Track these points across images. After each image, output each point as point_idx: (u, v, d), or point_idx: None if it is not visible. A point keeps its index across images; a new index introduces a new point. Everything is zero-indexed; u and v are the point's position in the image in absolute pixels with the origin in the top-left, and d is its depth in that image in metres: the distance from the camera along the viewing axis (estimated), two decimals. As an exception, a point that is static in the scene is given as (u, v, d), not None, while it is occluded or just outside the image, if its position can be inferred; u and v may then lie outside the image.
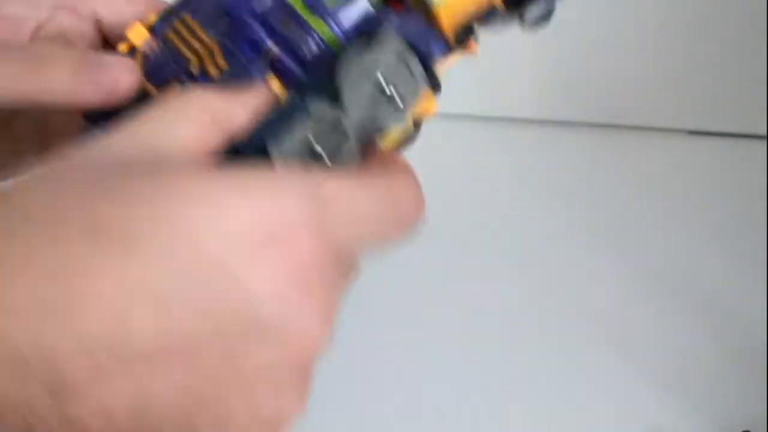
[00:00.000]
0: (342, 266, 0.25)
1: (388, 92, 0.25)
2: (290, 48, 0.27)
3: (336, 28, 0.26)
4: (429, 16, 0.25)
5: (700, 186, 0.78)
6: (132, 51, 0.30)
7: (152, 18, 0.31)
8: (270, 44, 0.27)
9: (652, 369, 0.58)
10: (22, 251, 0.21)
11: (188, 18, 0.30)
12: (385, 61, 0.25)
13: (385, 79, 0.25)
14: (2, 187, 0.23)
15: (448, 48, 0.26)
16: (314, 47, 0.26)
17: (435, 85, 0.26)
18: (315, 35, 0.26)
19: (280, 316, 0.22)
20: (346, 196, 0.24)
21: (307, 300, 0.23)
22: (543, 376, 0.57)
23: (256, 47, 0.27)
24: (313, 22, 0.26)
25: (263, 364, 0.22)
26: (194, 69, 0.29)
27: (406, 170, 0.26)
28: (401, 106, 0.25)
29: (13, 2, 0.30)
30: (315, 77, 0.26)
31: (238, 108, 0.26)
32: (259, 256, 0.22)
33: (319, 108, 0.25)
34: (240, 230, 0.22)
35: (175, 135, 0.24)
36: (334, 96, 0.25)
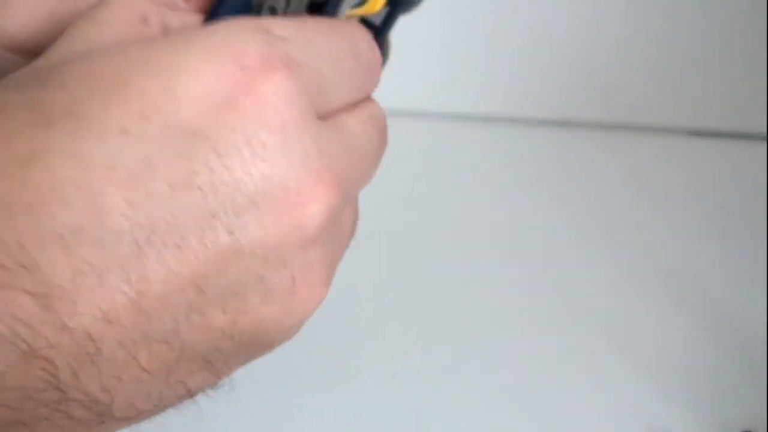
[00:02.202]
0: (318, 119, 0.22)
1: None
2: None
3: None
4: None
5: (700, 186, 0.78)
6: None
7: None
8: None
9: (651, 369, 0.58)
10: None
11: None
12: None
13: None
14: None
15: None
16: None
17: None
18: None
19: (264, 177, 0.20)
20: (300, 34, 0.22)
21: (291, 146, 0.20)
22: (541, 375, 0.57)
23: None
24: None
25: (259, 235, 0.20)
26: None
27: (356, 23, 0.25)
28: None
29: None
30: None
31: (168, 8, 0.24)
32: (228, 113, 0.19)
33: None
34: (204, 88, 0.19)
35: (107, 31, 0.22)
36: None
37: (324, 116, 0.22)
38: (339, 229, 0.23)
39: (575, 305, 0.63)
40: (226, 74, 0.20)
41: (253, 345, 0.22)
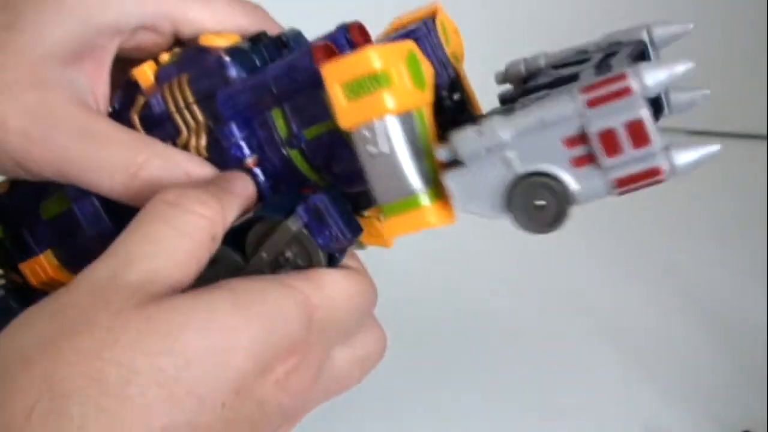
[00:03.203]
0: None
1: (288, 256, 0.28)
2: (266, 157, 0.29)
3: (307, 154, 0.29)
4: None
5: (700, 186, 0.78)
6: (135, 87, 0.31)
7: (165, 58, 0.31)
8: (250, 160, 0.30)
9: (651, 369, 0.58)
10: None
11: (185, 79, 0.30)
12: (278, 242, 0.28)
13: (280, 252, 0.28)
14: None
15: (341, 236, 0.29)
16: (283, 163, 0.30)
17: (332, 258, 0.29)
18: (285, 152, 0.29)
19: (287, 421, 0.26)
20: (327, 302, 0.27)
21: (306, 402, 0.26)
22: (541, 375, 0.57)
23: (239, 158, 0.30)
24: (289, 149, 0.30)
25: None
26: (181, 143, 0.30)
27: (357, 267, 0.29)
28: (302, 264, 0.28)
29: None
30: (235, 235, 0.28)
31: (229, 216, 0.27)
32: (269, 375, 0.25)
33: (226, 252, 0.28)
34: (246, 359, 0.24)
35: (173, 259, 0.25)
36: (244, 252, 0.28)
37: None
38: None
39: (574, 305, 0.63)
40: (272, 352, 0.25)
41: None
